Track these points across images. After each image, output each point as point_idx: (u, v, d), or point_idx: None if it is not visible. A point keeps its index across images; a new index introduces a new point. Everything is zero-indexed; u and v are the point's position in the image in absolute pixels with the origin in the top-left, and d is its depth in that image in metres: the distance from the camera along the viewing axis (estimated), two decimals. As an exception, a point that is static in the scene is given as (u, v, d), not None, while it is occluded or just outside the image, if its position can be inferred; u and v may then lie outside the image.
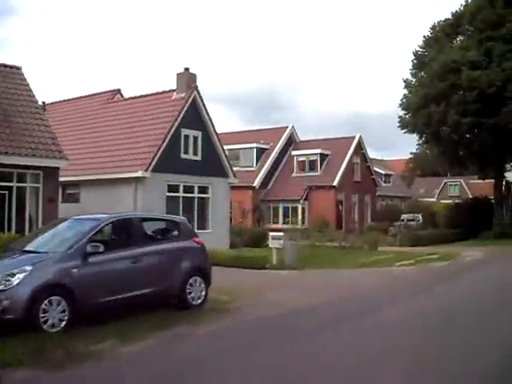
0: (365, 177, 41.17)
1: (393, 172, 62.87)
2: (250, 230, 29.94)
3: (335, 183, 37.75)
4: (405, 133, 36.92)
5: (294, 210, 38.69)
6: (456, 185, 69.82)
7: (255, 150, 40.76)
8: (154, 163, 23.75)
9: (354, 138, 40.52)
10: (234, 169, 40.93)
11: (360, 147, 40.88)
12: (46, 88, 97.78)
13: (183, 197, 25.61)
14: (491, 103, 31.78)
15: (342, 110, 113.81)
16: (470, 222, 37.88)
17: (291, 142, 42.54)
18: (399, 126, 36.68)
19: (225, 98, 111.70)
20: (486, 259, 22.57)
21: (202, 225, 26.32)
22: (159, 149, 24.05)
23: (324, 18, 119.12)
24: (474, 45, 33.27)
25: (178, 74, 26.46)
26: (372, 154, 50.13)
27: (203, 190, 26.81)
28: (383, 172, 60.94)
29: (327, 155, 40.11)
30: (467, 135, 35.12)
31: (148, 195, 23.79)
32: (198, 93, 26.11)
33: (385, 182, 61.12)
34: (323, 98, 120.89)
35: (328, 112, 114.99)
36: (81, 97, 32.13)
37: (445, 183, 71.97)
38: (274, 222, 39.50)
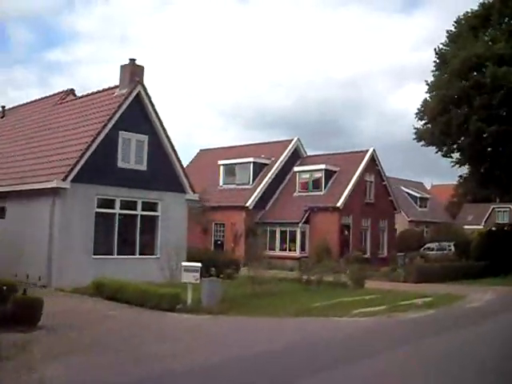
0: (380, 198, 35.24)
1: (429, 195, 56.28)
2: (214, 256, 24.68)
3: (339, 204, 32.09)
4: (422, 146, 30.99)
5: (293, 234, 33.23)
6: (505, 211, 62.10)
7: (252, 165, 35.75)
8: (75, 171, 19.18)
9: (366, 152, 34.79)
10: (230, 187, 36.55)
11: (375, 163, 35.09)
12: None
13: (121, 214, 20.87)
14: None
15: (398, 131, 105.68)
16: (504, 255, 31.43)
17: (297, 157, 37.24)
18: (415, 138, 30.81)
19: (282, 123, 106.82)
20: (495, 308, 16.55)
21: (147, 249, 21.55)
22: (83, 154, 19.46)
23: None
24: (503, 37, 27.25)
25: (121, 67, 21.98)
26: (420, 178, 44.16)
27: (150, 206, 22.00)
28: (418, 195, 54.77)
29: (334, 172, 34.56)
30: (494, 147, 28.79)
31: (68, 211, 19.23)
32: (144, 88, 21.52)
33: (420, 207, 54.89)
34: (383, 122, 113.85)
35: (389, 135, 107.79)
36: (38, 99, 28.24)
37: (492, 209, 64.29)
38: (270, 249, 34.09)
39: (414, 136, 30.59)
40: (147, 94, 21.61)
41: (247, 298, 16.22)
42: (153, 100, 21.92)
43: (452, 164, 34.91)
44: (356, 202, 33.12)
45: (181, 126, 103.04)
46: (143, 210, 21.69)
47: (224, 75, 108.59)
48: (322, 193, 33.77)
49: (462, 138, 28.19)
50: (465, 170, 34.84)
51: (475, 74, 27.18)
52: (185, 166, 42.30)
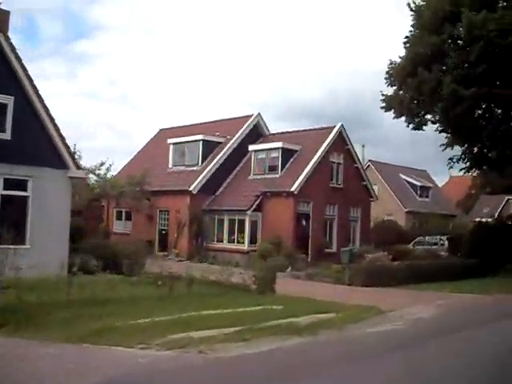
0: (352, 183, 29.84)
1: (431, 185, 50.31)
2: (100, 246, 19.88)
3: (294, 188, 26.86)
4: (394, 118, 25.52)
5: (241, 224, 28.16)
6: (529, 203, 55.72)
7: (201, 143, 30.76)
8: None
9: (331, 128, 29.39)
10: (179, 168, 31.72)
11: (344, 142, 29.65)
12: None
13: (-30, 193, 16.27)
14: (506, 63, 20.04)
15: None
16: (495, 251, 26.08)
17: (259, 135, 32.09)
18: (383, 107, 25.35)
19: (311, 114, 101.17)
20: (407, 337, 11.20)
21: (15, 238, 16.85)
22: None
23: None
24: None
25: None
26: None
27: (17, 184, 17.32)
28: (419, 184, 48.85)
29: (295, 151, 29.31)
30: (476, 118, 23.20)
31: None
32: (8, 39, 16.87)
33: (421, 197, 49.02)
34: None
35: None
36: None
37: (507, 201, 57.92)
38: (218, 240, 29.23)
39: (382, 105, 25.10)
40: (12, 47, 16.96)
41: (56, 308, 11.35)
42: (19, 53, 17.28)
43: (442, 147, 29.56)
44: (318, 186, 27.83)
45: (209, 118, 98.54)
46: (6, 188, 17.02)
47: (253, 66, 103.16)
48: (278, 175, 28.59)
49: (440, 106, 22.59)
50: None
51: (449, 26, 21.61)
52: (142, 145, 38.79)
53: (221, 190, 30.28)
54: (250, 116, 32.11)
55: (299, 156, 28.92)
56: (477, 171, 30.48)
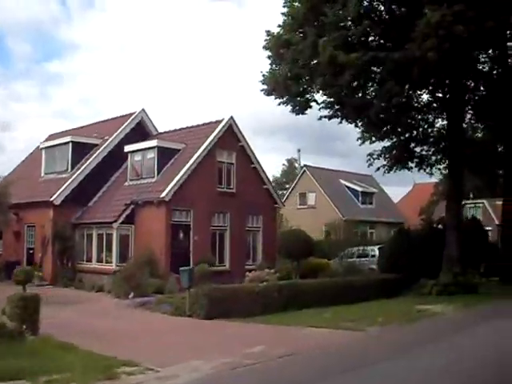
0: (249, 187, 25.00)
1: (375, 190, 45.74)
2: None
3: (165, 195, 21.97)
4: (280, 104, 20.81)
5: (109, 239, 23.18)
6: (478, 207, 51.30)
7: (70, 146, 25.84)
8: None
9: (219, 122, 24.62)
10: (50, 176, 26.79)
11: (236, 139, 24.86)
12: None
13: None
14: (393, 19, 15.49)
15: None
16: (415, 263, 21.78)
17: (144, 135, 27.17)
18: (262, 90, 20.64)
19: (283, 129, 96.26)
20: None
21: None
22: None
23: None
24: None
25: None
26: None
27: None
28: (360, 189, 44.22)
29: (177, 151, 24.51)
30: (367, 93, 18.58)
31: None
32: None
33: (363, 203, 44.38)
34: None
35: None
36: None
37: (463, 206, 53.42)
38: (87, 259, 24.23)
39: (262, 87, 20.39)
40: None
41: None
42: None
43: (360, 141, 25.18)
44: (200, 191, 22.98)
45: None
46: None
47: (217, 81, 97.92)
48: (153, 180, 23.71)
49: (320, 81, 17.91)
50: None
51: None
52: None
53: (94, 199, 25.33)
54: (131, 114, 27.22)
55: (181, 157, 24.10)
56: (399, 167, 25.90)
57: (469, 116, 24.74)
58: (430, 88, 20.92)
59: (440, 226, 26.98)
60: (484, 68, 25.55)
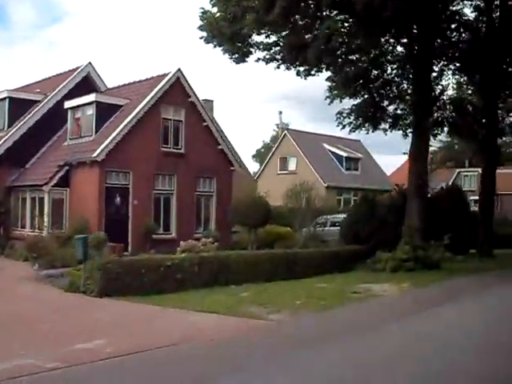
0: (200, 147, 22.76)
1: (361, 155, 43.29)
2: None
3: (97, 154, 19.83)
4: (216, 47, 18.34)
5: (42, 204, 21.20)
6: (473, 175, 48.69)
7: (7, 102, 23.68)
8: None
9: (164, 76, 22.24)
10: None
11: (185, 94, 22.48)
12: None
13: None
14: None
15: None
16: (378, 234, 19.73)
17: (92, 91, 24.81)
18: (201, 38, 18.16)
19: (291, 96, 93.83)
20: None
21: None
22: None
23: None
24: None
25: None
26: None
27: None
28: (344, 154, 41.85)
29: (119, 107, 22.26)
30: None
31: None
32: None
33: (348, 169, 42.00)
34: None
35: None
36: None
37: (458, 174, 51.03)
38: (21, 226, 22.34)
39: (201, 33, 17.91)
40: None
41: None
42: None
43: (328, 99, 23.07)
44: (141, 151, 20.84)
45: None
46: None
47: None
48: (91, 138, 21.53)
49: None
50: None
51: None
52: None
53: (32, 161, 23.29)
54: (76, 69, 24.88)
55: (122, 113, 21.84)
56: (370, 127, 23.60)
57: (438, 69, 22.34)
58: (391, 31, 18.34)
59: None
60: (469, 20, 23.13)
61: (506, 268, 19.44)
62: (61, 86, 23.95)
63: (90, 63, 25.01)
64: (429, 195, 24.19)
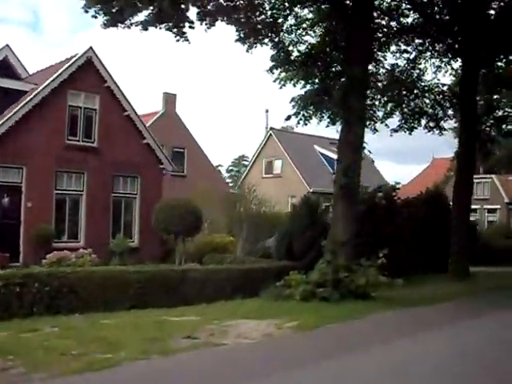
0: (120, 141, 19.45)
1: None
2: None
3: (-25, 145, 16.71)
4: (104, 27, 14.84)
5: None
6: (486, 183, 43.95)
7: None
8: None
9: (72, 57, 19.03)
10: None
11: (100, 78, 19.20)
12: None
13: None
14: None
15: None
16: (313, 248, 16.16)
17: (10, 77, 21.77)
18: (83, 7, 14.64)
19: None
20: None
21: None
22: None
23: None
24: None
25: None
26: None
27: None
28: (336, 157, 37.46)
29: (24, 93, 19.13)
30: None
31: None
32: None
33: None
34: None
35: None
36: None
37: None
38: None
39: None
40: None
41: None
42: None
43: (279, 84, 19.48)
44: (41, 143, 17.68)
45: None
46: None
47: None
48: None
49: None
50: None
51: None
52: None
53: None
54: (-4, 50, 21.90)
55: (25, 98, 18.70)
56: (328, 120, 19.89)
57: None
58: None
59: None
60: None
61: (472, 295, 15.00)
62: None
63: (7, 45, 21.96)
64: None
